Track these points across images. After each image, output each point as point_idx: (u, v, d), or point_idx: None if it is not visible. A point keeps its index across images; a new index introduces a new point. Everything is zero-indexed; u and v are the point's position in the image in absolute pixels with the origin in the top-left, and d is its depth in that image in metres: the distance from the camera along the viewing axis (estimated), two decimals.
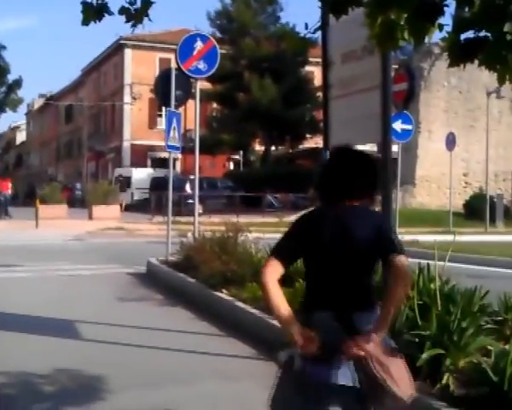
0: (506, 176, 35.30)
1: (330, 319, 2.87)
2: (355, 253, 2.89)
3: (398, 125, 16.29)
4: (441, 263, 6.32)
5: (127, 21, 3.58)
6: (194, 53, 12.45)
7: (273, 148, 42.49)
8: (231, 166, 51.18)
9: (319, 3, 4.00)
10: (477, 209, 29.97)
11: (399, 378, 2.81)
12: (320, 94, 7.79)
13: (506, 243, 20.80)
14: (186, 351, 6.99)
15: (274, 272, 2.92)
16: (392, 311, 2.85)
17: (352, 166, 3.00)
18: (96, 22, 3.66)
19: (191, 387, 5.76)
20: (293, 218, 3.13)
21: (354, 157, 3.06)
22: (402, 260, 2.83)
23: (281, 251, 2.97)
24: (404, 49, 27.29)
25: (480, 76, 29.45)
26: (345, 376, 2.79)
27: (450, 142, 26.79)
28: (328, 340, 2.80)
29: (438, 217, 29.09)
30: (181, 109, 14.29)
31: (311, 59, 38.52)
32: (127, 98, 52.37)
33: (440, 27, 3.56)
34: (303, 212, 3.13)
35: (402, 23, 3.60)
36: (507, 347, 4.73)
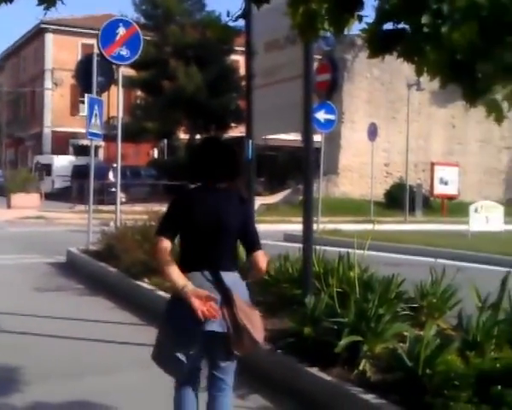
0: (425, 166, 36.19)
1: (203, 276, 3.49)
2: (221, 228, 3.53)
3: (321, 115, 16.48)
4: (360, 252, 6.42)
5: (39, 4, 3.44)
6: (117, 39, 12.24)
7: (198, 136, 42.25)
8: (155, 154, 50.66)
9: None
10: (397, 199, 30.66)
11: (256, 326, 3.49)
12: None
13: (424, 232, 21.37)
14: (106, 341, 6.88)
15: (165, 248, 3.49)
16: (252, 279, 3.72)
17: (216, 155, 3.60)
18: (7, 4, 3.50)
19: (111, 377, 5.69)
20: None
21: (219, 147, 3.65)
22: (262, 255, 3.60)
23: (165, 230, 3.55)
24: (328, 40, 27.57)
25: (401, 68, 30.01)
26: (219, 325, 3.42)
27: (372, 132, 27.29)
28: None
29: (360, 206, 29.63)
30: (105, 96, 14.05)
31: (236, 48, 38.41)
32: (48, 84, 51.07)
33: (360, 18, 3.60)
34: (178, 194, 3.68)
35: (323, 13, 3.62)
36: (422, 333, 4.84)
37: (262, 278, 6.81)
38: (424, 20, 3.12)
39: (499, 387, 3.92)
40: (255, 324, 3.49)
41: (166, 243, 3.49)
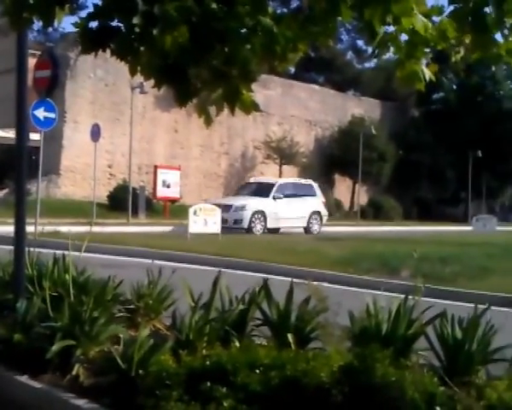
0: (149, 169, 36.62)
1: None
2: None
3: (40, 113, 15.87)
4: (77, 253, 6.28)
5: None
6: None
7: None
8: None
9: None
10: (121, 201, 30.61)
11: None
12: None
13: (146, 234, 21.60)
14: None
15: None
16: None
17: None
18: None
19: None
20: None
21: None
22: None
23: None
24: (50, 36, 26.72)
25: (125, 70, 29.97)
26: None
27: (95, 133, 26.96)
28: None
29: (82, 208, 29.04)
30: None
31: None
32: None
33: (72, 12, 3.50)
34: None
35: (32, 2, 3.46)
36: (137, 334, 4.85)
37: None
38: (135, 20, 3.10)
39: (208, 383, 4.04)
40: None
41: None
